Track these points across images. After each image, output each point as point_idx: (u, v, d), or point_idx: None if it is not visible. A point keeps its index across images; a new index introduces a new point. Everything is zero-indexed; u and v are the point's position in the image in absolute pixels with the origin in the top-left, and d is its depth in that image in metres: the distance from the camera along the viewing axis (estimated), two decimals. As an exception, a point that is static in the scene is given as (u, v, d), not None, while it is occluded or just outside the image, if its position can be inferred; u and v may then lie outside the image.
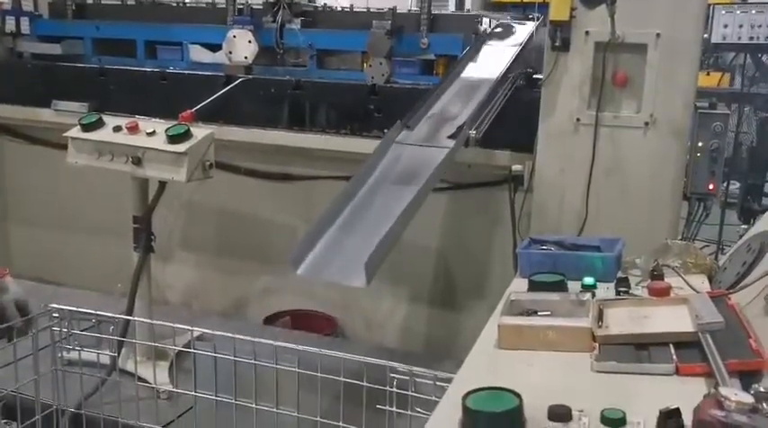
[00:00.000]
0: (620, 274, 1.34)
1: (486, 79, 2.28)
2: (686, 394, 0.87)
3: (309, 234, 1.80)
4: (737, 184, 3.64)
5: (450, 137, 2.09)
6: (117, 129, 2.06)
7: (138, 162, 2.01)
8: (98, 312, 1.60)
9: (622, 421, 0.85)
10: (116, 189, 2.31)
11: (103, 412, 1.66)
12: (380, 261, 1.70)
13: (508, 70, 2.29)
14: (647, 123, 1.92)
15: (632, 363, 1.00)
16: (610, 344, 1.04)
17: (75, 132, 2.09)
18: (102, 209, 2.85)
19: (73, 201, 2.99)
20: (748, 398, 0.81)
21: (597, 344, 1.05)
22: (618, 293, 1.27)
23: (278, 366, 1.51)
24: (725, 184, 3.45)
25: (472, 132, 2.04)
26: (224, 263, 2.90)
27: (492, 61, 2.40)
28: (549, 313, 1.16)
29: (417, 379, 1.42)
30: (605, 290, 1.29)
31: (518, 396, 0.88)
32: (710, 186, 2.01)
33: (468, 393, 0.89)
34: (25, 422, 1.53)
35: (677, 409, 0.83)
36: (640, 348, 1.03)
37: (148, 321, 1.72)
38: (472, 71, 2.40)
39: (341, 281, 1.72)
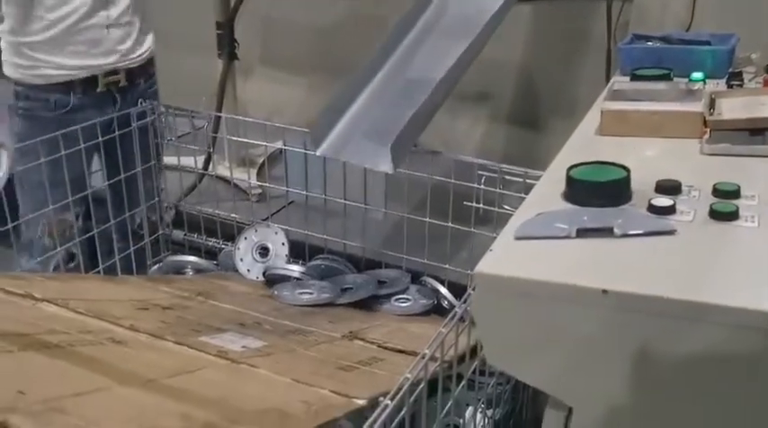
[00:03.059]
0: (732, 70, 1.26)
1: None
2: (805, 173, 0.84)
3: (332, 106, 1.51)
4: None
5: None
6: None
7: (219, -36, 1.97)
8: (191, 109, 1.63)
9: (736, 193, 0.83)
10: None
11: (202, 208, 1.75)
12: (413, 138, 1.46)
13: None
14: None
15: (746, 145, 0.96)
16: (722, 130, 1.00)
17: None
18: (185, 23, 2.84)
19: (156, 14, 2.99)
20: None
21: (708, 130, 1.01)
22: (730, 87, 1.20)
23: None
24: None
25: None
26: (303, 79, 2.90)
27: None
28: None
29: (506, 177, 1.42)
30: (715, 86, 1.22)
31: (626, 169, 0.86)
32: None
33: (573, 166, 0.88)
34: (132, 210, 1.63)
35: (797, 181, 0.80)
36: (755, 133, 0.98)
37: (241, 118, 1.76)
38: None
39: (364, 164, 1.42)
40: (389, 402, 0.79)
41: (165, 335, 0.92)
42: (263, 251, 1.59)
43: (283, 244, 1.59)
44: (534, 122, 2.64)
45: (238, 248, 1.59)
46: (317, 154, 1.40)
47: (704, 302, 0.66)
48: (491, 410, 1.24)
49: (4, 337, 0.75)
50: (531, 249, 0.77)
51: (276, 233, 1.61)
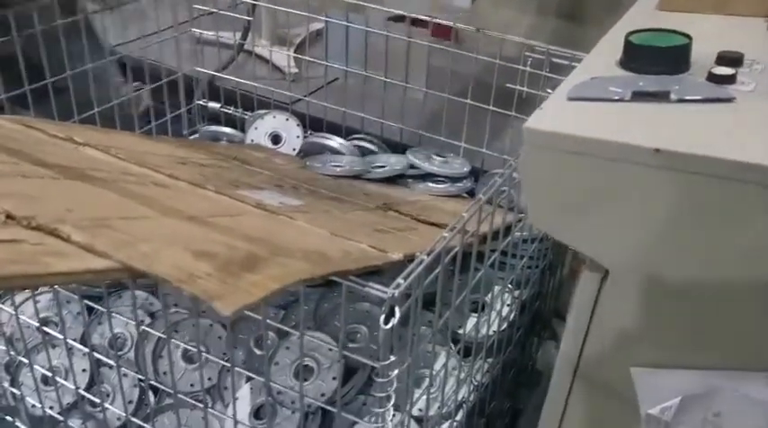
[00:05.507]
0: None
1: None
2: None
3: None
4: None
5: None
6: None
7: None
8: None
9: (802, 67, 0.80)
10: None
11: (239, 81, 1.74)
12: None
13: None
14: None
15: (817, 23, 0.91)
16: (790, 8, 0.95)
17: None
18: None
19: None
20: None
21: (776, 7, 0.96)
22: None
23: (410, 39, 1.50)
24: None
25: None
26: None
27: None
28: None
29: (553, 60, 1.38)
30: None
31: (687, 36, 0.83)
32: None
33: (632, 32, 0.85)
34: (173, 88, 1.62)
35: None
36: (826, 12, 0.94)
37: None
38: None
39: None
40: (425, 257, 0.80)
41: (205, 185, 0.93)
42: (276, 139, 1.58)
43: (297, 136, 1.56)
44: (582, 17, 2.54)
45: (251, 140, 1.56)
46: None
47: (760, 164, 0.64)
48: (518, 291, 1.25)
49: (49, 167, 0.76)
50: (583, 109, 0.75)
51: (287, 119, 1.58)
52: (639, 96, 0.75)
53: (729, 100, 0.74)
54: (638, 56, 0.81)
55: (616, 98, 0.75)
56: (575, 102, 0.76)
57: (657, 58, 0.80)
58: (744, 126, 0.70)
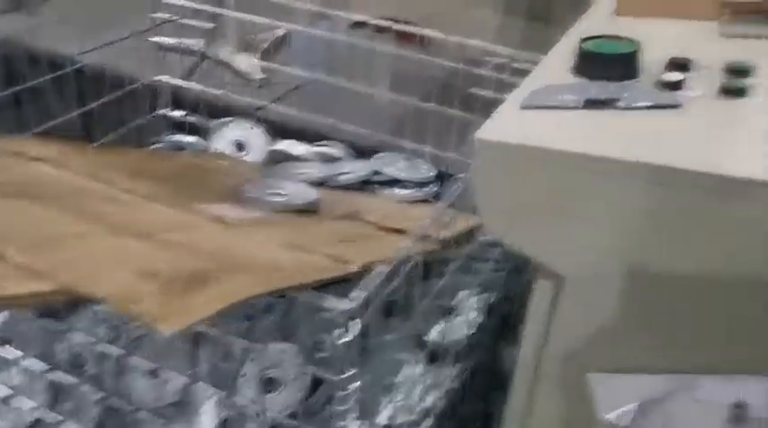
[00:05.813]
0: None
1: None
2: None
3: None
4: None
5: None
6: None
7: None
8: None
9: (748, 72, 0.80)
10: None
11: (203, 88, 1.72)
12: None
13: None
14: None
15: (765, 26, 0.92)
16: (740, 12, 0.96)
17: None
18: None
19: None
20: None
21: (727, 11, 0.97)
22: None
23: (375, 45, 1.50)
24: None
25: None
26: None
27: None
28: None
29: (515, 65, 1.38)
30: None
31: (636, 43, 0.83)
32: None
33: (586, 39, 0.85)
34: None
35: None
36: (774, 16, 0.95)
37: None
38: None
39: None
40: (385, 267, 0.80)
41: (161, 199, 0.92)
42: (240, 146, 1.56)
43: (262, 144, 1.54)
44: (553, 19, 2.53)
45: (216, 148, 1.54)
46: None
47: (698, 171, 0.65)
48: (485, 294, 1.25)
49: (-5, 186, 0.74)
50: (535, 118, 0.75)
51: (252, 127, 1.57)
52: (591, 104, 0.75)
53: (676, 106, 0.75)
54: (591, 63, 0.81)
55: (569, 106, 0.76)
56: (527, 110, 0.76)
57: (608, 66, 0.81)
58: (687, 132, 0.71)
